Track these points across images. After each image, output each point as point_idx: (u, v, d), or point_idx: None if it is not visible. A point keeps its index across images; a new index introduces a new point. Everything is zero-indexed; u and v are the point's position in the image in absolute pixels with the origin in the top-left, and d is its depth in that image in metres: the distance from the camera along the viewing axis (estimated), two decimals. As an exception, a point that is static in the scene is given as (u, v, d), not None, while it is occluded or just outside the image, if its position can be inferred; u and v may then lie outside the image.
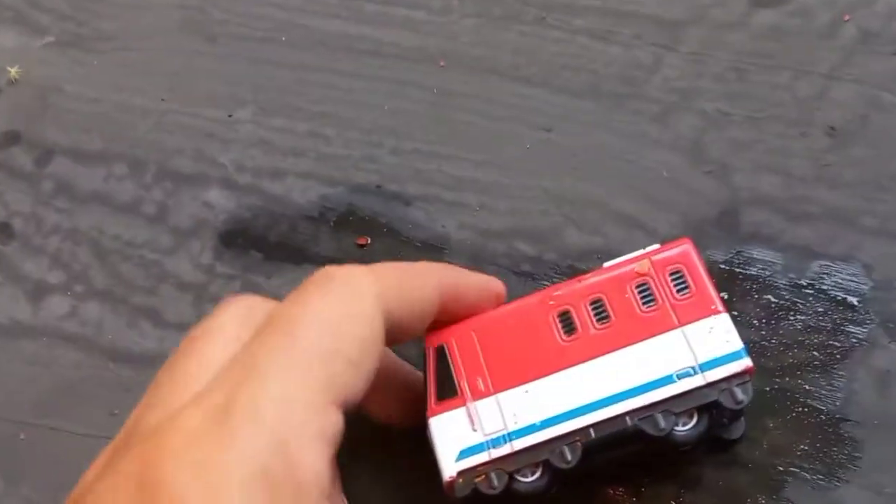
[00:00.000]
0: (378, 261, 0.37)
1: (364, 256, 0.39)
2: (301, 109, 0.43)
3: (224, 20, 0.48)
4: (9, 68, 0.50)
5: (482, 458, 0.28)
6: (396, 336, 0.27)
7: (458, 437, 0.28)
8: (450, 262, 0.37)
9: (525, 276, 0.36)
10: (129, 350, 0.39)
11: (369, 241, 0.39)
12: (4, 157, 0.48)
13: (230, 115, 0.45)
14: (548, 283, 0.36)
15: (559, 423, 0.28)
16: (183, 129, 0.45)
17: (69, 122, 0.47)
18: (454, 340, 0.30)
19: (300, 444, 0.23)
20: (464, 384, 0.29)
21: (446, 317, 0.30)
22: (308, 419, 0.23)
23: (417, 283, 0.28)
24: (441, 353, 0.30)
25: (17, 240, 0.44)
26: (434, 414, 0.29)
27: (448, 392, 0.29)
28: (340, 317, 0.25)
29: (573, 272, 0.36)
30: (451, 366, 0.29)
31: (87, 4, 0.51)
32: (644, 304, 0.29)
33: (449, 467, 0.28)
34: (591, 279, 0.30)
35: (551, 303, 0.30)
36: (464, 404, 0.29)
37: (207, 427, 0.22)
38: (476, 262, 0.37)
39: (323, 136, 0.42)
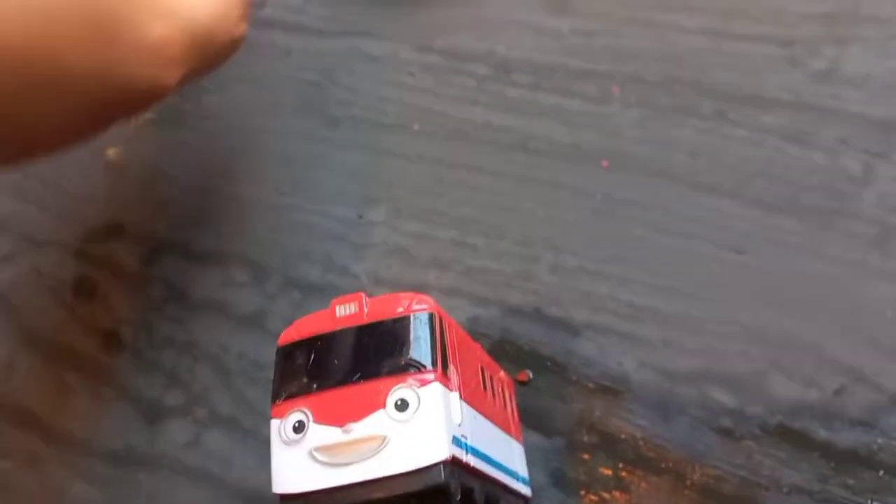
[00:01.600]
0: (543, 402, 0.34)
1: (527, 392, 0.35)
2: (442, 213, 0.39)
3: (345, 100, 0.44)
4: (107, 149, 0.48)
5: (461, 455, 0.24)
6: None
7: (451, 420, 0.24)
8: (632, 409, 0.33)
9: (724, 433, 0.31)
10: (262, 491, 0.36)
11: (531, 377, 0.35)
12: (107, 253, 0.44)
13: (360, 217, 0.41)
14: (752, 444, 0.32)
15: (493, 467, 0.28)
16: (308, 228, 0.41)
17: (177, 215, 0.43)
18: (445, 319, 0.26)
19: None
20: (455, 368, 0.26)
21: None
22: None
23: None
24: (439, 323, 0.26)
25: (128, 351, 0.41)
26: (439, 379, 0.24)
27: (445, 366, 0.25)
28: None
29: (784, 432, 0.31)
30: (447, 342, 0.26)
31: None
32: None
33: (443, 447, 0.23)
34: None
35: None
36: (457, 389, 0.25)
37: None
38: (662, 410, 0.32)
39: (469, 245, 0.38)
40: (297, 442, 0.24)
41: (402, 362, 0.24)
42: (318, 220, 0.41)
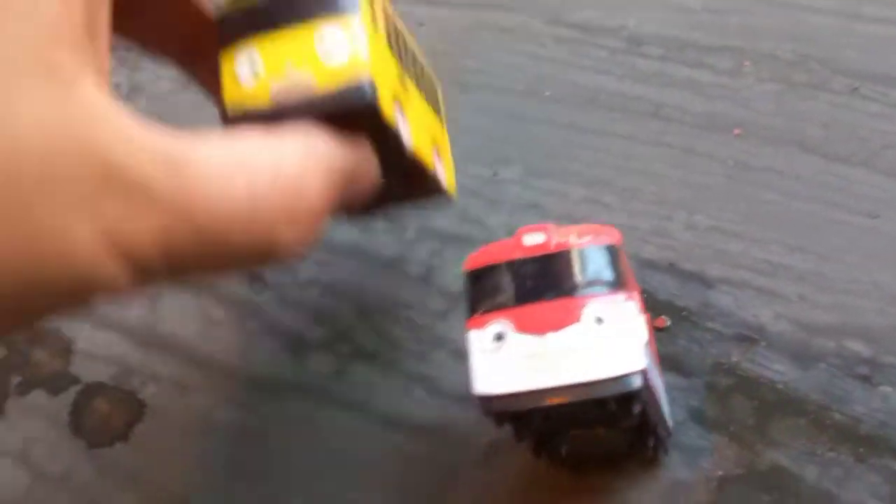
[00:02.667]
0: (679, 347, 0.36)
1: (664, 338, 0.37)
2: (574, 173, 0.42)
3: (477, 69, 0.47)
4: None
5: (647, 370, 0.27)
6: None
7: (643, 336, 0.27)
8: (768, 356, 0.35)
9: (862, 380, 0.34)
10: (404, 417, 0.38)
11: (668, 324, 0.37)
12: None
13: (495, 174, 0.44)
14: (889, 389, 0.34)
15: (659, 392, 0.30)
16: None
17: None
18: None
19: None
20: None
21: None
22: None
23: None
24: (622, 252, 0.28)
25: (272, 290, 0.44)
26: (631, 299, 0.27)
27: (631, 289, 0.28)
28: None
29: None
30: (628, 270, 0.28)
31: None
32: None
33: (640, 357, 0.26)
34: None
35: None
36: (643, 313, 0.28)
37: None
38: (799, 358, 0.34)
39: (602, 203, 0.41)
40: (497, 349, 0.27)
41: (595, 283, 0.27)
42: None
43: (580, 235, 0.29)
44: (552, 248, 0.29)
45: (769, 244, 0.37)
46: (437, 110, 0.34)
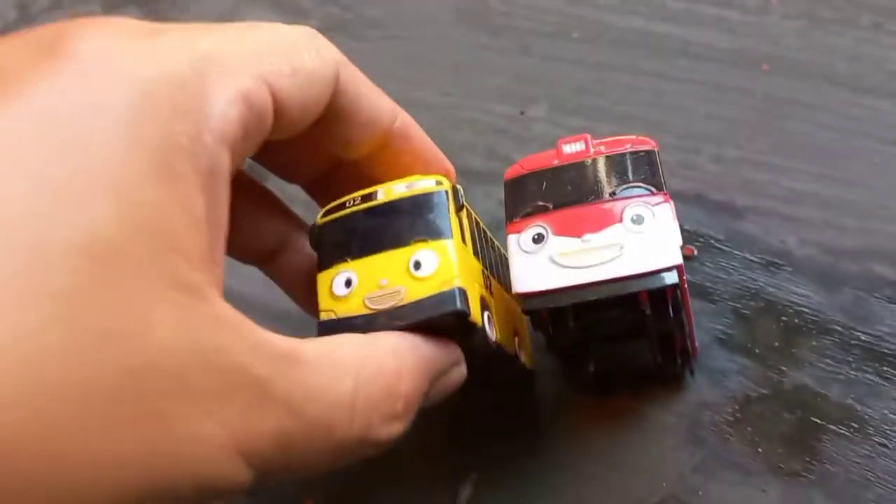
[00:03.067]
0: (706, 274, 0.36)
1: (691, 266, 0.38)
2: (602, 110, 0.43)
3: (505, 12, 0.48)
4: (277, 53, 0.52)
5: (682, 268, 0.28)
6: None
7: (678, 237, 0.28)
8: (794, 281, 0.36)
9: (887, 300, 0.34)
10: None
11: (695, 253, 0.38)
12: (277, 143, 0.49)
13: (522, 113, 0.45)
14: (914, 312, 0.34)
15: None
16: (471, 124, 0.45)
17: (344, 111, 0.49)
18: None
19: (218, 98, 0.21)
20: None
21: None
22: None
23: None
24: (659, 159, 0.29)
25: (300, 227, 0.46)
26: (668, 202, 0.28)
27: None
28: None
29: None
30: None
31: (350, -11, 0.53)
32: None
33: (676, 254, 0.27)
34: None
35: None
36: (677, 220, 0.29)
37: (135, 30, 0.21)
38: (825, 281, 0.35)
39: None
40: (537, 251, 0.28)
41: (634, 186, 0.28)
42: (480, 117, 0.45)
43: (618, 143, 0.30)
44: (591, 155, 0.30)
45: (796, 173, 0.38)
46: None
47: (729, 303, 0.36)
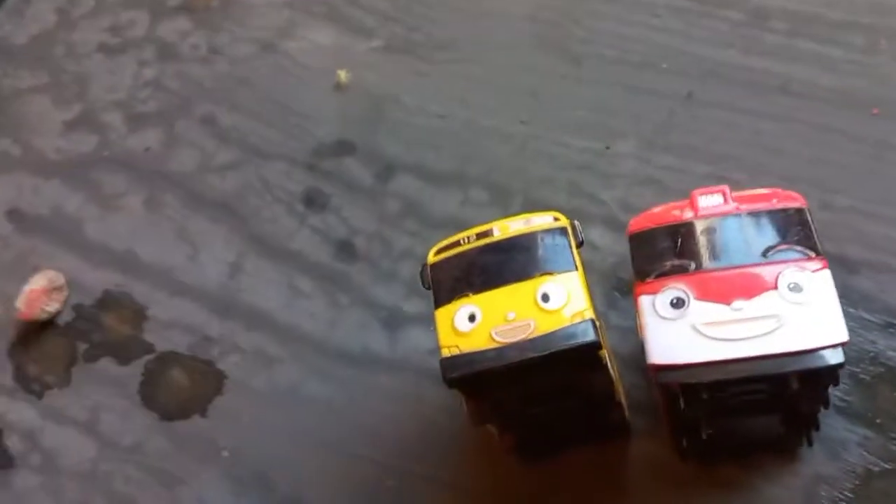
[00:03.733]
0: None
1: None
2: (696, 148, 0.40)
3: (587, 39, 0.46)
4: (338, 71, 0.50)
5: None
6: None
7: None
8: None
9: None
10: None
11: (805, 309, 0.36)
12: (338, 168, 0.46)
13: (607, 148, 0.42)
14: None
15: None
16: (551, 157, 0.42)
17: (411, 138, 0.45)
18: None
19: None
20: None
21: None
22: None
23: None
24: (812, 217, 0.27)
25: (363, 261, 0.43)
26: (827, 267, 0.26)
27: None
28: None
29: None
30: None
31: (415, 7, 0.50)
32: None
33: (842, 329, 0.25)
34: None
35: None
36: None
37: None
38: (951, 349, 0.34)
39: (729, 179, 0.38)
40: (677, 317, 0.26)
41: (788, 249, 0.26)
42: (560, 151, 0.43)
43: (761, 198, 0.28)
44: (732, 210, 0.28)
45: (916, 227, 0.36)
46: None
47: (846, 367, 0.33)
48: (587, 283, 0.30)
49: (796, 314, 0.25)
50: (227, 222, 0.45)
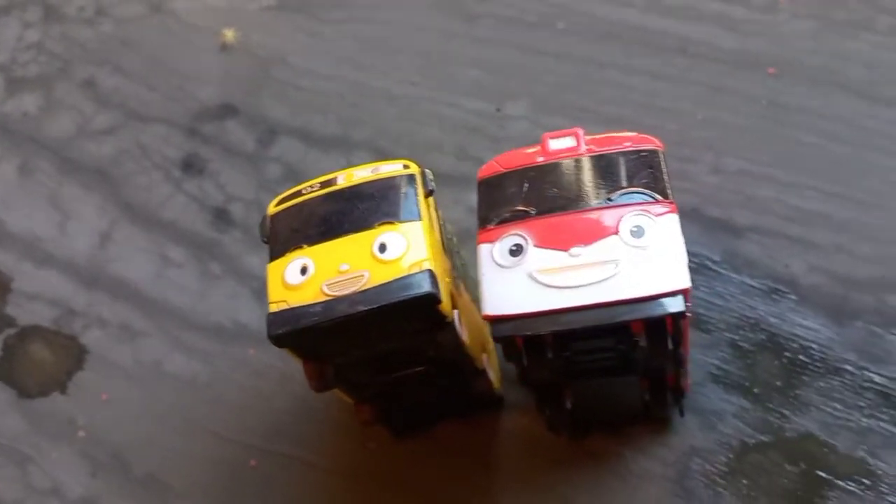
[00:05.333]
0: (701, 300, 0.33)
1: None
2: (588, 110, 0.40)
3: (484, -2, 0.46)
4: (224, 31, 0.49)
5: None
6: None
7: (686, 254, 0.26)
8: (800, 312, 0.33)
9: (906, 340, 0.32)
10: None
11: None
12: (218, 132, 0.45)
13: (498, 110, 0.41)
14: (935, 352, 0.32)
15: None
16: (441, 120, 0.41)
17: (297, 100, 0.44)
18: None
19: None
20: None
21: None
22: None
23: None
24: (665, 160, 0.26)
25: (238, 228, 0.41)
26: (674, 211, 0.25)
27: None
28: None
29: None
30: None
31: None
32: None
33: (684, 275, 0.24)
34: None
35: None
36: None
37: None
38: (835, 314, 0.32)
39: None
40: (514, 265, 0.25)
41: (634, 192, 0.25)
42: (450, 113, 0.42)
43: (615, 140, 0.27)
44: (583, 153, 0.27)
45: (804, 189, 0.35)
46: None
47: (725, 334, 0.33)
48: (444, 238, 0.29)
49: (636, 260, 0.24)
50: (101, 190, 0.44)
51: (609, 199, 0.25)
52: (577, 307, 0.24)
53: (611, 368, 0.27)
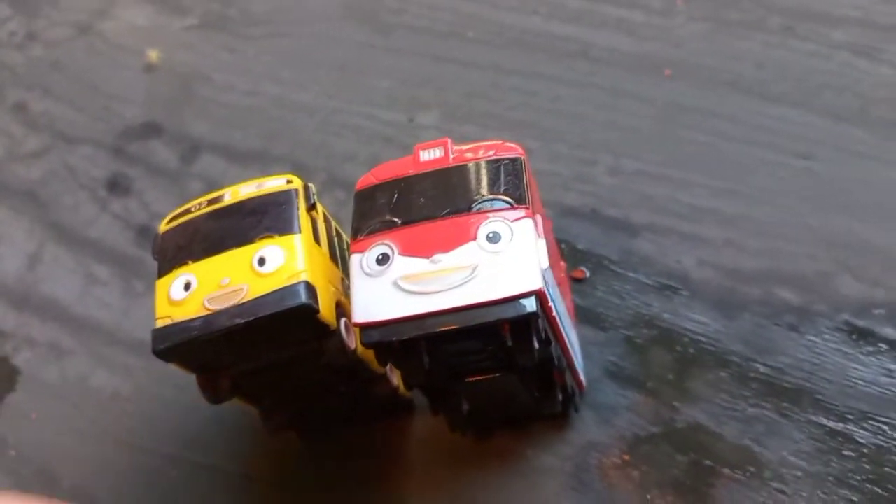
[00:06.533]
0: (598, 299, 0.35)
1: (582, 290, 0.36)
2: (495, 116, 0.41)
3: (398, 9, 0.46)
4: (148, 52, 0.50)
5: (547, 295, 0.26)
6: None
7: (541, 258, 0.26)
8: (691, 306, 0.34)
9: (789, 329, 0.33)
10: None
11: (587, 275, 0.36)
12: (143, 151, 0.45)
13: (411, 120, 0.42)
14: (817, 340, 0.33)
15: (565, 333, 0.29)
16: (356, 131, 0.42)
17: (219, 116, 0.45)
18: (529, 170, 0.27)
19: None
20: (541, 220, 0.27)
21: None
22: None
23: None
24: (526, 167, 0.27)
25: (161, 245, 0.43)
26: (530, 217, 0.26)
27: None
28: None
29: (850, 329, 0.32)
30: (533, 189, 0.27)
31: (234, -16, 0.51)
32: None
33: (536, 278, 0.25)
34: None
35: None
36: (543, 237, 0.27)
37: None
38: (723, 307, 0.34)
39: (526, 148, 0.40)
40: (380, 273, 0.25)
41: (493, 199, 0.26)
42: (365, 124, 0.43)
43: (480, 150, 0.27)
44: (451, 162, 0.27)
45: (696, 187, 0.36)
46: None
47: (621, 331, 0.34)
48: (337, 248, 0.30)
49: (491, 264, 0.25)
50: (30, 212, 0.45)
51: (470, 207, 0.26)
52: (439, 311, 0.24)
53: (488, 368, 0.28)
